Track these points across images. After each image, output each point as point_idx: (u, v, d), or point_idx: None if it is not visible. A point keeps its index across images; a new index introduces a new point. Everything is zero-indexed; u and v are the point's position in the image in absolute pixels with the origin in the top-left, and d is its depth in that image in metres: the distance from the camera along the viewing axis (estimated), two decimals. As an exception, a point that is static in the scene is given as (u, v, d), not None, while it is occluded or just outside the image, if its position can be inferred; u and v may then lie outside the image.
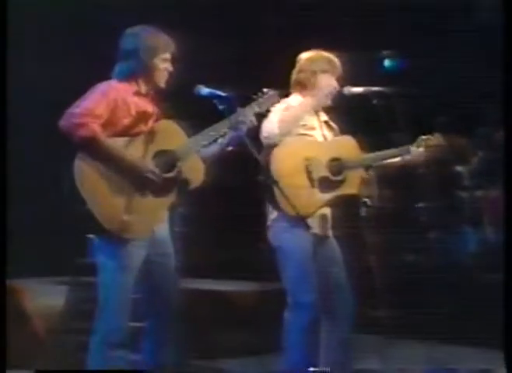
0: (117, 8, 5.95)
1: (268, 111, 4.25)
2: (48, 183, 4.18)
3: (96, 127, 3.71)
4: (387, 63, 7.40)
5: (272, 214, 4.52)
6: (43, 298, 5.23)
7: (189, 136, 3.96)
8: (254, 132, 4.20)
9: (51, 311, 5.08)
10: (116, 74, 3.94)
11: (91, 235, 3.79)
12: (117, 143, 3.78)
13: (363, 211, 4.56)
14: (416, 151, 4.77)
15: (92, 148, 3.71)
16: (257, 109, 4.07)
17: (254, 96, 4.10)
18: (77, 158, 3.71)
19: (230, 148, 4.06)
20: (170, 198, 3.88)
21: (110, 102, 3.79)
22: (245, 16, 6.45)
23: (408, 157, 4.76)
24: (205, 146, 3.98)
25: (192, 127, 4.00)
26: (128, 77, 3.92)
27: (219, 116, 3.93)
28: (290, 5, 6.34)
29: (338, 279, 4.60)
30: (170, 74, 3.99)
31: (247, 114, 3.99)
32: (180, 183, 3.88)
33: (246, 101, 3.99)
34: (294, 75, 4.68)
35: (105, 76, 3.93)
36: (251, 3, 6.32)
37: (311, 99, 4.54)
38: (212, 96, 3.90)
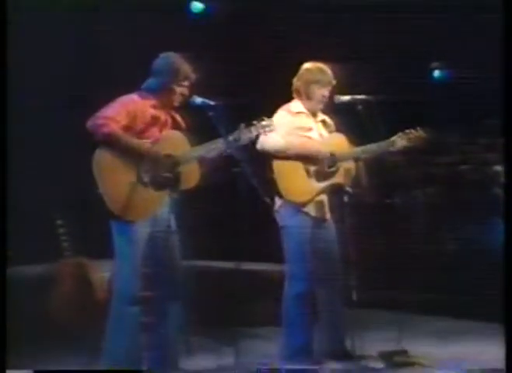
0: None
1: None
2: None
3: (114, 127, 4.44)
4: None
5: (279, 202, 5.17)
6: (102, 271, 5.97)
7: (192, 145, 4.65)
8: (249, 149, 4.79)
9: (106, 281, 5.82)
10: (143, 87, 4.68)
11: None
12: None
13: (346, 198, 5.14)
14: (400, 142, 5.28)
15: (111, 142, 4.44)
16: (254, 133, 4.73)
17: (254, 122, 4.73)
18: (98, 150, 4.45)
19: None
20: (167, 192, 4.56)
21: (129, 112, 4.52)
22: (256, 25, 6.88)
23: (393, 149, 5.27)
24: (204, 155, 4.63)
25: (196, 138, 4.67)
26: (150, 92, 4.65)
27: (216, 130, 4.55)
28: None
29: (333, 257, 5.18)
30: (185, 97, 4.67)
31: (245, 135, 4.68)
32: (177, 182, 4.54)
33: (234, 109, 4.54)
34: (294, 83, 5.30)
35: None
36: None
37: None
38: (203, 105, 4.57)
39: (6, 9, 4.29)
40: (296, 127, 5.20)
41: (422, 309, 6.46)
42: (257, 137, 4.82)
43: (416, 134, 5.33)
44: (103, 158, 4.47)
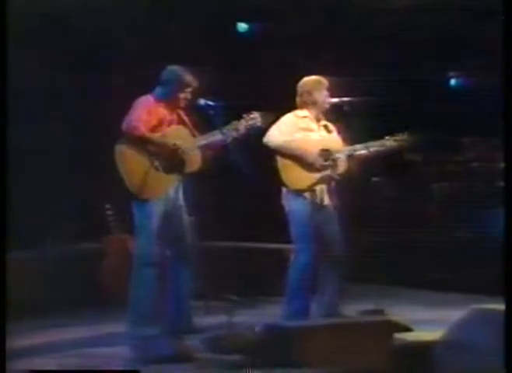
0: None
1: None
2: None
3: (143, 128, 5.38)
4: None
5: (285, 190, 5.96)
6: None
7: (193, 137, 5.57)
8: (241, 140, 5.55)
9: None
10: (155, 93, 5.58)
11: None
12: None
13: (339, 187, 5.97)
14: (388, 143, 6.05)
15: (139, 140, 5.37)
16: (244, 124, 5.59)
17: (244, 116, 5.60)
18: (117, 144, 5.38)
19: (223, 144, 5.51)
20: (176, 175, 5.48)
21: (149, 112, 5.45)
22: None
23: (381, 148, 6.04)
24: (204, 144, 5.55)
25: (197, 131, 5.58)
26: (162, 97, 5.56)
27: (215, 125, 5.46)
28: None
29: (333, 235, 5.94)
30: (188, 100, 5.57)
31: (237, 127, 5.54)
32: (182, 167, 5.47)
33: (230, 110, 5.48)
34: (298, 98, 6.05)
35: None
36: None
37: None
38: (205, 105, 5.47)
39: (6, 11, 4.48)
40: (299, 127, 5.95)
41: (414, 284, 7.26)
42: (246, 128, 5.61)
43: (402, 137, 6.06)
44: (123, 150, 5.39)
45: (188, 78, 5.56)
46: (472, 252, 6.87)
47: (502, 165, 6.91)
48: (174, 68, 5.62)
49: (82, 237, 7.15)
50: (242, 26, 8.14)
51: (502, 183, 6.94)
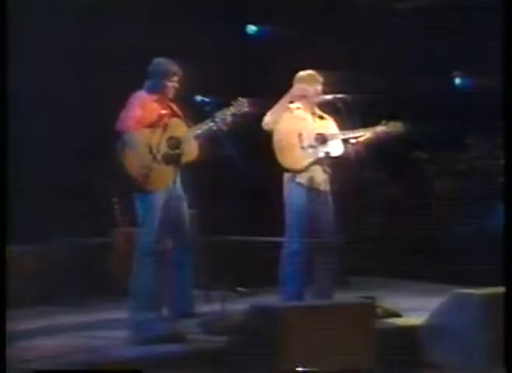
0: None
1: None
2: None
3: (133, 128, 5.62)
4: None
5: (286, 176, 6.19)
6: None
7: (188, 127, 5.83)
8: (230, 126, 5.82)
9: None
10: (145, 87, 5.84)
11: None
12: (145, 131, 5.68)
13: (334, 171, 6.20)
14: (379, 128, 6.28)
15: (131, 137, 5.62)
16: (233, 111, 5.86)
17: (232, 102, 5.88)
18: (120, 140, 5.62)
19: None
20: (177, 166, 5.72)
21: (143, 106, 5.70)
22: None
23: (374, 133, 6.24)
24: (199, 134, 5.82)
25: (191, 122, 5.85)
26: (152, 90, 5.82)
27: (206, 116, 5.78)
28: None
29: (327, 224, 6.11)
30: (177, 89, 5.83)
31: (226, 113, 5.83)
32: (181, 157, 5.72)
33: (225, 105, 5.81)
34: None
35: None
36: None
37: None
38: (201, 101, 5.74)
39: (6, 9, 4.60)
40: (292, 116, 6.19)
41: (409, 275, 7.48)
42: (234, 114, 5.85)
43: (393, 124, 6.29)
44: (124, 144, 5.63)
45: (172, 67, 5.84)
46: (467, 247, 7.04)
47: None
48: (158, 60, 5.90)
49: (91, 230, 7.38)
50: (250, 28, 8.53)
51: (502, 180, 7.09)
